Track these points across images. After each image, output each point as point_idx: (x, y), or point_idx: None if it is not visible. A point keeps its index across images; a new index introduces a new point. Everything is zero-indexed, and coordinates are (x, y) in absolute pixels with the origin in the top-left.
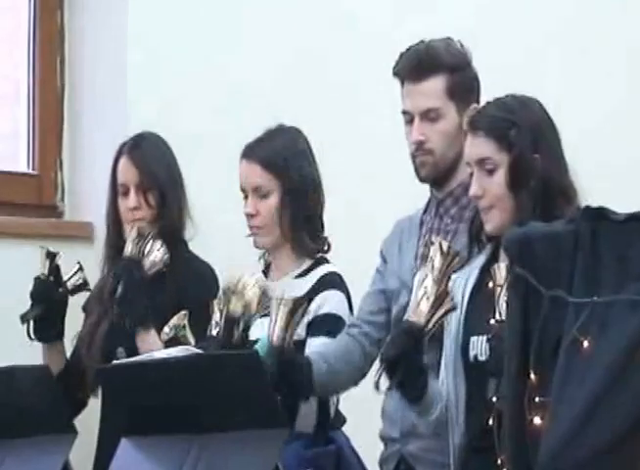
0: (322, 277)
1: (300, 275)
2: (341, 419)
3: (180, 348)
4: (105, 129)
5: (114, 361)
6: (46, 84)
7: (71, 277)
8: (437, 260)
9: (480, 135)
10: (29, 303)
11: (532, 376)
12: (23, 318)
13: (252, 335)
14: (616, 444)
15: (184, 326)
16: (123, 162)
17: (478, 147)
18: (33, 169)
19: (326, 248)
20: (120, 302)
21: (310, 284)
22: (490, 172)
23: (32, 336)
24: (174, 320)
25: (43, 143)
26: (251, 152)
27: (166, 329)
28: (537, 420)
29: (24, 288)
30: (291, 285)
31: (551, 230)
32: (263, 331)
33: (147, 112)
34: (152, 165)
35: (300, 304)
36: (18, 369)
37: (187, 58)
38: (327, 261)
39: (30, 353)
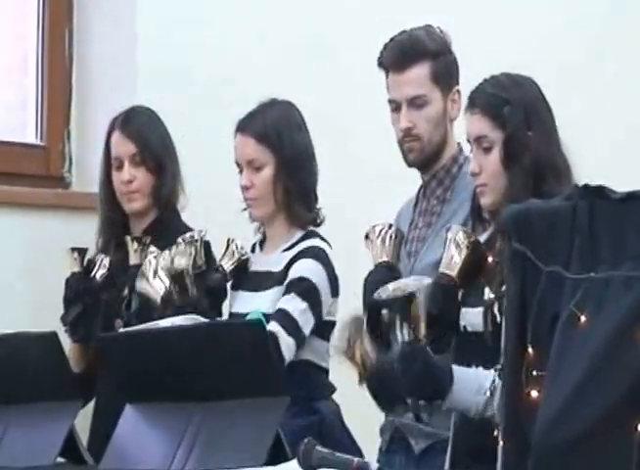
0: (301, 250)
1: (288, 249)
2: (329, 389)
3: (184, 316)
4: (112, 101)
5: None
6: (54, 56)
7: (97, 272)
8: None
9: (476, 112)
10: (65, 303)
11: (530, 350)
12: (65, 321)
13: (238, 308)
14: (609, 417)
15: (197, 241)
16: (116, 135)
17: (474, 124)
18: (41, 141)
19: (319, 220)
20: (137, 315)
21: (291, 256)
22: (487, 150)
23: (72, 337)
24: (191, 234)
25: (51, 115)
26: (244, 126)
27: (180, 239)
28: (534, 393)
29: (32, 257)
30: (279, 258)
31: (549, 207)
32: (251, 305)
33: (155, 83)
34: (145, 137)
35: None
36: (24, 336)
37: (197, 30)
38: (317, 235)
39: (34, 322)
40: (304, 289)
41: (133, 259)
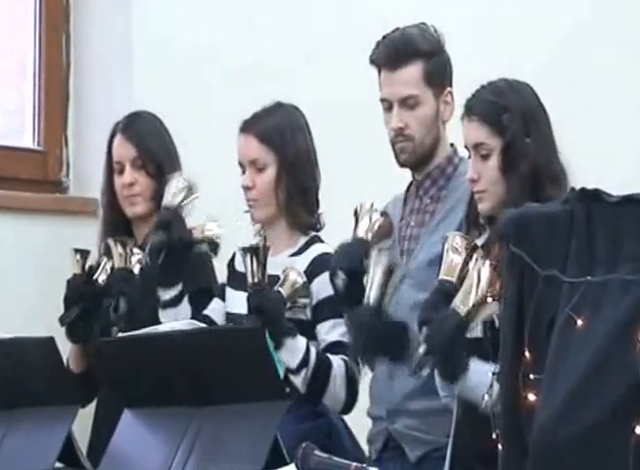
0: (314, 260)
1: (295, 254)
2: None
3: (184, 321)
4: (110, 106)
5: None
6: (52, 60)
7: (99, 276)
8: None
9: (474, 120)
10: (64, 304)
11: (527, 354)
12: (63, 321)
13: (240, 309)
14: (606, 420)
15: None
16: (118, 139)
17: (473, 132)
18: (39, 145)
19: (320, 225)
20: (128, 317)
21: (305, 265)
22: (485, 157)
23: (70, 338)
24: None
25: (49, 119)
26: (247, 126)
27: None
28: (531, 397)
29: (29, 262)
30: (285, 262)
31: (547, 211)
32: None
33: (152, 88)
34: (147, 141)
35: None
36: (22, 341)
37: (196, 35)
38: (320, 240)
39: (31, 326)
40: (335, 307)
41: (117, 263)
